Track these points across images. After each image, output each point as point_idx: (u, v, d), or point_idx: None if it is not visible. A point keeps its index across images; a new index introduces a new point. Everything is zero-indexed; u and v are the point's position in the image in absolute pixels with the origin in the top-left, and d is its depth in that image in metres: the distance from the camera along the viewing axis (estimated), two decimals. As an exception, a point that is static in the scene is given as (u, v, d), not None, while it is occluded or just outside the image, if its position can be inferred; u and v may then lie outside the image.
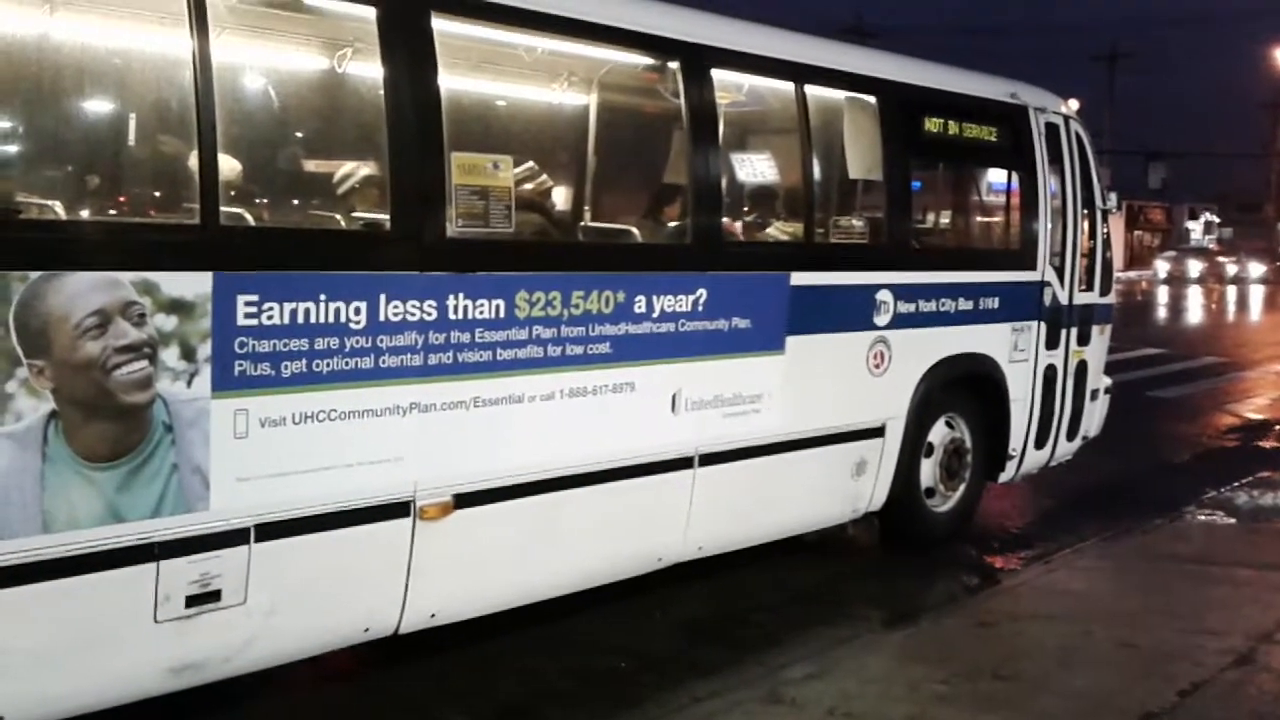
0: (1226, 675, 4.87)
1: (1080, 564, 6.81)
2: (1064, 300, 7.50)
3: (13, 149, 3.97)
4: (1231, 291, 42.75)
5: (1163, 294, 39.35)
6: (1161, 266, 49.49)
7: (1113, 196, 8.48)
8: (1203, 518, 8.06)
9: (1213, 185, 72.55)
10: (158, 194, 4.15)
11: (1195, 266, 48.24)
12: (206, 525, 3.78)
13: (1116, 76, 44.73)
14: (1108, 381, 8.34)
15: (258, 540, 3.90)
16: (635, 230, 5.65)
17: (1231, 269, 51.22)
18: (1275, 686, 4.82)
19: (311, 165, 4.73)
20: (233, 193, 4.09)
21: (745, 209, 6.17)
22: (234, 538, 3.85)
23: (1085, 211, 7.70)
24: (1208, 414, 12.98)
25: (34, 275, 3.35)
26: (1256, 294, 41.64)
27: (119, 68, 4.13)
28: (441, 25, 4.36)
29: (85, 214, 3.94)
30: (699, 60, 5.33)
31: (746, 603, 5.94)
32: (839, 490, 6.24)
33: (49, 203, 3.81)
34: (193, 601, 3.78)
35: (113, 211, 4.09)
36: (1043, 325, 7.33)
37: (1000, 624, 5.59)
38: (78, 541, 3.50)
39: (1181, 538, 7.53)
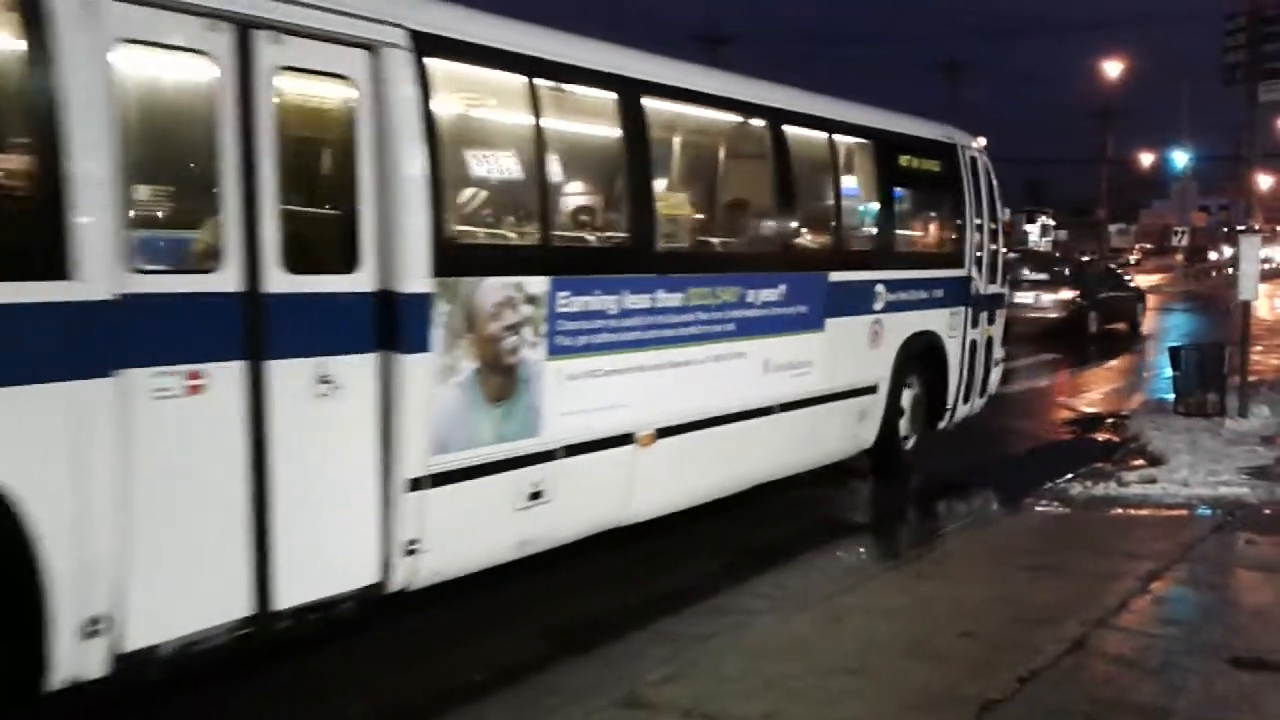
0: (1062, 661, 5.02)
1: (927, 558, 7.06)
2: (981, 291, 10.00)
3: (485, 208, 5.67)
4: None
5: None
6: None
7: (1006, 210, 11.03)
8: (1041, 509, 8.35)
9: (1049, 190, 76.26)
10: (524, 224, 5.90)
11: None
12: (542, 445, 5.63)
13: (959, 86, 47.67)
14: (1002, 353, 10.94)
15: (564, 457, 5.77)
16: (749, 244, 7.65)
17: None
18: (1107, 669, 5.03)
19: (597, 204, 6.51)
20: (561, 223, 5.92)
21: (806, 227, 8.25)
22: (554, 454, 5.71)
23: (992, 223, 10.22)
24: (1045, 409, 13.54)
25: (468, 280, 5.15)
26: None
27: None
28: (651, 104, 6.32)
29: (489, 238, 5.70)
30: (784, 120, 7.43)
31: (609, 605, 5.96)
32: (850, 432, 8.47)
33: (477, 230, 5.56)
34: (532, 498, 5.63)
35: (509, 237, 5.82)
36: (969, 309, 9.80)
37: (852, 618, 5.69)
38: (489, 452, 5.31)
39: (1022, 529, 7.89)
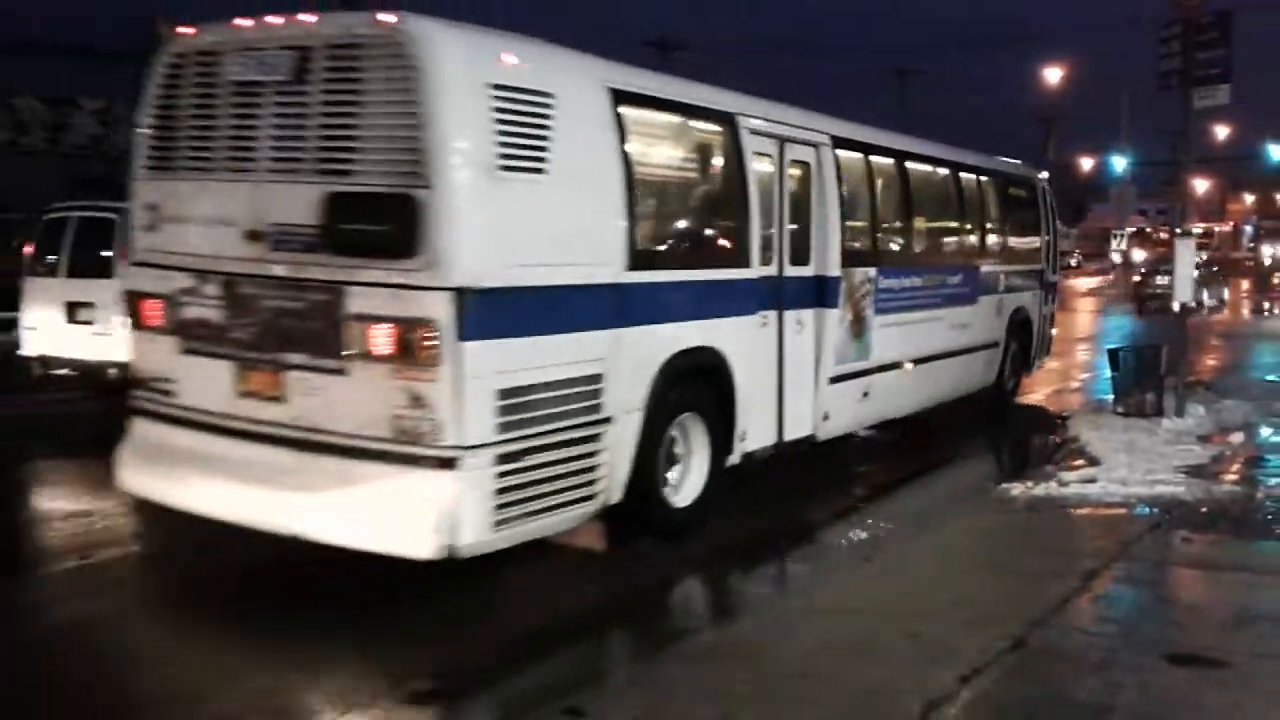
0: (1003, 660, 5.12)
1: (875, 559, 7.16)
2: (1049, 279, 14.44)
3: (854, 230, 9.62)
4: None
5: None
6: None
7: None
8: (989, 510, 8.51)
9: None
10: (867, 239, 10.06)
11: None
12: (870, 365, 9.84)
13: (909, 91, 49.80)
14: (1056, 328, 15.41)
15: (877, 373, 9.99)
16: (945, 247, 11.91)
17: None
18: (1047, 667, 5.13)
19: (891, 225, 10.71)
20: (877, 237, 10.15)
21: (969, 235, 12.48)
22: (876, 370, 9.93)
23: (1053, 231, 14.66)
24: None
25: (850, 269, 9.36)
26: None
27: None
28: (909, 165, 10.60)
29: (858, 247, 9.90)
30: (959, 169, 11.73)
31: (558, 612, 6.07)
32: (984, 374, 12.79)
33: (852, 242, 9.65)
34: (863, 395, 9.83)
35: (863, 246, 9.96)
36: (1043, 292, 14.22)
37: (800, 621, 5.79)
38: (851, 367, 9.51)
39: (969, 531, 8.09)
